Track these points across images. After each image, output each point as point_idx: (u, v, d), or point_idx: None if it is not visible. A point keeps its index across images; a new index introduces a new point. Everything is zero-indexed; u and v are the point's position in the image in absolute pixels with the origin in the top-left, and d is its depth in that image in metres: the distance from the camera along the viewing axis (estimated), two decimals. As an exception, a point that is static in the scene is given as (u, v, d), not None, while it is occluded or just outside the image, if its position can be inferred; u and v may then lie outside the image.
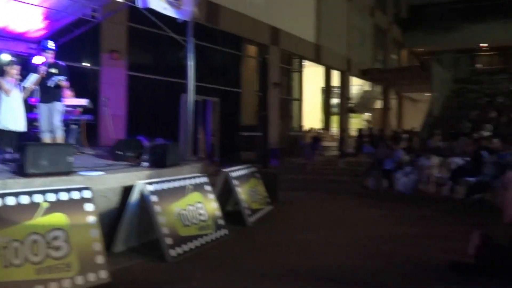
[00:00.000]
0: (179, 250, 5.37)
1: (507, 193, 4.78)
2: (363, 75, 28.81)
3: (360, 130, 24.44)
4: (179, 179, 6.12)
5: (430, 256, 5.70)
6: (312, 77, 25.33)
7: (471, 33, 34.02)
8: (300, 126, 23.04)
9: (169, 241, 5.30)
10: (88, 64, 12.66)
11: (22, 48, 10.27)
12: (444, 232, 7.23)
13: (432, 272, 5.03)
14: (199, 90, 11.71)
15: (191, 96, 9.25)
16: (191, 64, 9.15)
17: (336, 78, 26.65)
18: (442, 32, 34.69)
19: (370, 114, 32.73)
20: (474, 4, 33.95)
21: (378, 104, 32.83)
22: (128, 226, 5.58)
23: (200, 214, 6.10)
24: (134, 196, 5.52)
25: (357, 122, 29.80)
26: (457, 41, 34.66)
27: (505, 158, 10.57)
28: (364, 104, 30.63)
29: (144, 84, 13.83)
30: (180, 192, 5.96)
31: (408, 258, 5.60)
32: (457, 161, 11.70)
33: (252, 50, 19.56)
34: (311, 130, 21.95)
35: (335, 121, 26.93)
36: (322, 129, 24.91)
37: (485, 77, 30.37)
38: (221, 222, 6.50)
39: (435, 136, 17.61)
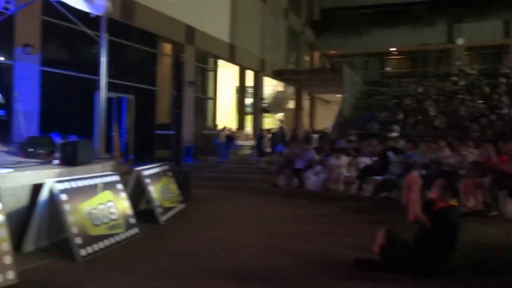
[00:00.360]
0: (89, 249, 5.31)
1: (411, 193, 5.07)
2: (276, 75, 29.35)
3: (269, 130, 24.92)
4: (90, 178, 6.02)
5: (337, 253, 5.86)
6: (227, 76, 25.55)
7: (380, 37, 35.50)
8: (215, 125, 23.16)
9: (78, 240, 5.23)
10: (2, 58, 12.08)
11: None
12: (351, 229, 7.52)
13: (338, 269, 5.16)
14: (114, 87, 11.54)
15: (103, 92, 9.12)
16: (104, 60, 9.01)
17: (250, 78, 27.00)
18: (353, 36, 35.93)
19: (283, 114, 33.39)
20: (383, 10, 35.47)
21: (291, 104, 33.56)
22: (37, 225, 5.45)
23: (111, 213, 6.06)
24: (44, 195, 5.40)
25: (270, 122, 30.34)
26: (368, 44, 36.05)
27: (411, 158, 11.21)
28: (277, 104, 31.22)
29: (58, 79, 13.37)
30: (91, 190, 5.87)
31: (316, 255, 5.74)
32: (365, 160, 12.29)
33: (167, 48, 19.45)
34: (225, 129, 22.12)
35: (249, 121, 27.30)
36: (237, 128, 25.17)
37: (394, 80, 31.88)
38: (133, 221, 6.47)
39: (349, 136, 18.31)
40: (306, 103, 35.26)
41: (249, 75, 26.87)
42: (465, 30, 33.80)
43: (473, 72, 29.21)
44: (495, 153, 10.02)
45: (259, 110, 27.41)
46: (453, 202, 5.15)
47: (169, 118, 18.40)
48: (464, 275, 5.01)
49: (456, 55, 34.03)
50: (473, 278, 4.96)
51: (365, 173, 11.43)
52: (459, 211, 5.45)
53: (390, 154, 11.40)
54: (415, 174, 5.18)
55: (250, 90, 27.26)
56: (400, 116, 23.24)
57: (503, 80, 25.86)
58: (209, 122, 23.16)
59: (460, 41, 34.05)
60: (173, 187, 8.81)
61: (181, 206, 8.62)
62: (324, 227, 7.67)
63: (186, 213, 8.38)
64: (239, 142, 22.32)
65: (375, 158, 11.97)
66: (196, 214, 8.42)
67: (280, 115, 33.21)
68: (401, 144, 13.46)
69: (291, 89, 32.76)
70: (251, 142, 23.06)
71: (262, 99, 27.81)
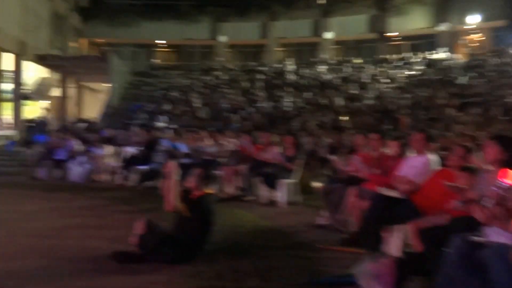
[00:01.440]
0: None
1: (168, 182, 5.24)
2: (39, 60, 27.59)
3: (33, 119, 23.47)
4: None
5: (98, 247, 5.61)
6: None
7: (149, 29, 35.64)
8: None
9: None
10: None
11: None
12: (115, 220, 7.38)
13: (97, 263, 5.00)
14: None
15: None
16: None
17: (9, 61, 24.85)
18: (122, 26, 35.46)
19: (49, 102, 31.58)
20: (151, 3, 35.71)
21: (57, 92, 31.91)
22: None
23: None
24: None
25: (34, 110, 28.43)
26: (136, 35, 35.87)
27: (175, 148, 11.59)
28: (41, 91, 29.39)
29: None
30: None
31: (75, 252, 5.48)
32: (130, 150, 12.39)
33: None
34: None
35: (8, 108, 25.14)
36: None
37: (161, 72, 32.47)
38: None
39: (133, 128, 18.10)
40: (73, 91, 33.82)
41: (8, 58, 24.70)
42: (227, 29, 35.98)
43: (234, 68, 31.35)
44: (252, 143, 10.98)
45: (19, 97, 25.43)
46: (209, 190, 5.44)
47: None
48: (220, 258, 5.20)
49: (219, 51, 36.07)
50: (228, 260, 5.16)
51: (130, 163, 11.55)
52: (216, 198, 5.85)
53: (165, 142, 11.75)
54: (171, 163, 5.35)
55: (10, 75, 25.10)
56: (167, 107, 23.82)
57: (260, 76, 28.24)
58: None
59: (222, 39, 36.15)
60: None
61: None
62: (86, 220, 7.44)
63: None
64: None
65: (141, 148, 12.16)
66: None
67: (44, 103, 31.28)
68: (167, 134, 13.87)
69: (56, 76, 31.09)
70: (11, 132, 21.40)
71: (23, 85, 25.85)
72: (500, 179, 3.52)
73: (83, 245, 5.79)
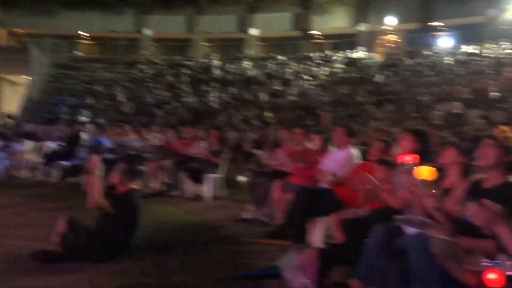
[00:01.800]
0: None
1: (91, 178, 5.12)
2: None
3: None
4: None
5: (16, 246, 5.34)
6: None
7: (71, 20, 34.45)
8: None
9: None
10: None
11: None
12: (36, 218, 7.09)
13: (16, 264, 4.77)
14: None
15: None
16: None
17: None
18: (43, 15, 34.08)
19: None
20: (72, -8, 34.69)
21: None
22: None
23: None
24: None
25: None
26: (57, 26, 34.61)
27: (99, 143, 11.36)
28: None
29: None
30: None
31: None
32: (52, 145, 12.05)
33: None
34: None
35: None
36: None
37: (84, 65, 31.59)
38: None
39: (57, 123, 17.49)
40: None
41: None
42: (152, 22, 35.50)
43: (159, 62, 30.99)
44: (177, 138, 10.96)
45: None
46: (134, 185, 5.38)
47: None
48: (145, 255, 5.12)
49: (144, 45, 35.54)
50: (153, 256, 5.08)
51: (52, 158, 11.24)
52: (141, 193, 5.77)
53: (89, 137, 11.51)
54: (94, 158, 5.25)
55: None
56: (90, 101, 23.31)
57: (186, 71, 28.12)
58: None
59: (147, 32, 35.61)
60: None
61: None
62: (5, 218, 7.05)
63: None
64: None
65: (63, 143, 11.87)
66: None
67: None
68: (90, 128, 13.60)
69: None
70: None
71: None
72: (402, 161, 3.79)
73: (2, 245, 5.51)
